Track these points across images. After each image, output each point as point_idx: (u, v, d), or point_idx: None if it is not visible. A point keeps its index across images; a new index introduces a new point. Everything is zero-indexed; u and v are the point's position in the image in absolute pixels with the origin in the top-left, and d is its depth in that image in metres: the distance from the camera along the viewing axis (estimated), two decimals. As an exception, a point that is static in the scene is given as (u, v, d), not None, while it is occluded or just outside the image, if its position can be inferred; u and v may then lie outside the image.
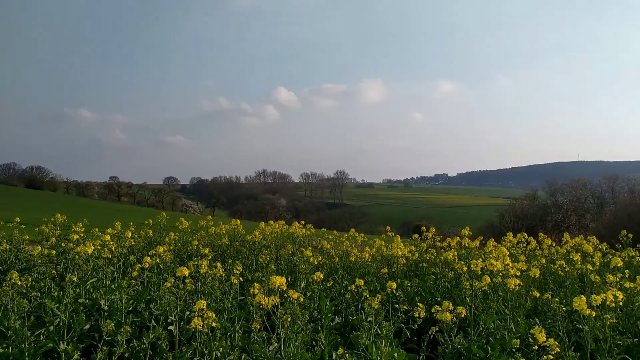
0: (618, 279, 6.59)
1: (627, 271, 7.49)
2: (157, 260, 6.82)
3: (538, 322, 6.17)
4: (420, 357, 5.98)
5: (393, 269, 9.27)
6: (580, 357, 5.14)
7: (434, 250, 10.63)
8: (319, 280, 6.62)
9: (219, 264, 6.62)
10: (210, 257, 8.09)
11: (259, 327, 4.91)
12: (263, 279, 6.34)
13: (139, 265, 7.04)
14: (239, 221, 12.26)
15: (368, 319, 4.62)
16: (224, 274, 6.33)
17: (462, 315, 5.71)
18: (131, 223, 12.32)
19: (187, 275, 5.48)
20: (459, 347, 5.25)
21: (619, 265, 7.10)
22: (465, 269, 6.28)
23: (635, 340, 5.73)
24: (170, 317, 5.34)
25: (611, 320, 4.93)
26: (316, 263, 7.98)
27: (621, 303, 5.22)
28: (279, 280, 4.80)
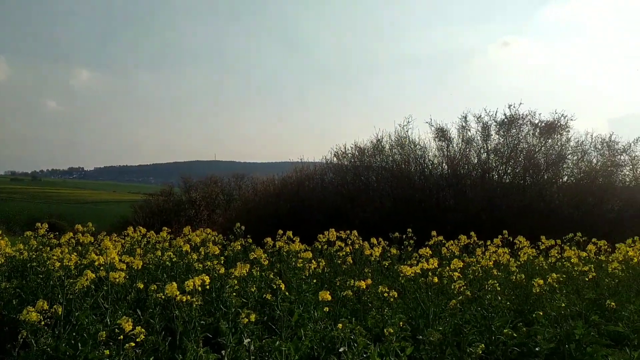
0: (214, 265, 7.41)
1: (222, 258, 8.48)
2: None
3: (139, 313, 6.35)
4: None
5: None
6: (171, 340, 5.50)
7: (49, 248, 9.85)
8: None
9: None
10: None
11: None
12: None
13: None
14: None
15: None
16: None
17: (59, 313, 5.43)
18: None
19: None
20: (45, 347, 4.95)
21: (216, 252, 8.07)
22: (58, 264, 6.01)
23: (213, 319, 6.40)
24: None
25: (197, 303, 5.42)
26: None
27: (207, 287, 5.81)
28: None
